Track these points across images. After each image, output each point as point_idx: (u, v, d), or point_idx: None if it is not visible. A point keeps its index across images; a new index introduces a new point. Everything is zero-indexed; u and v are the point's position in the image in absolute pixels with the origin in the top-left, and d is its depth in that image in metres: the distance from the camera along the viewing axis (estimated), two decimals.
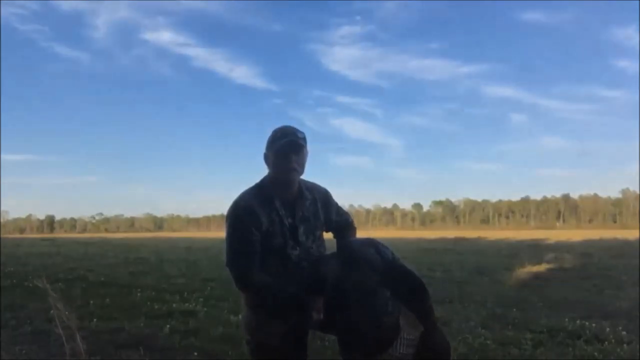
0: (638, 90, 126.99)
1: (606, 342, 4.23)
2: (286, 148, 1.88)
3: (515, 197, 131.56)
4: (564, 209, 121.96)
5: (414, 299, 1.84)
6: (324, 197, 2.10)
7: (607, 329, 4.65)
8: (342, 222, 2.16)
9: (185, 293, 7.22)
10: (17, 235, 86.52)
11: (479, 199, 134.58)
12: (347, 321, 1.82)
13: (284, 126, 1.96)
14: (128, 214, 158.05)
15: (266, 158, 1.97)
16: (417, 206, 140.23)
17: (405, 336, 1.80)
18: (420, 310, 1.83)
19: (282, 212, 1.94)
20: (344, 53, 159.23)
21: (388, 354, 1.79)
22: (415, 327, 1.82)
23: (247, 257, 1.90)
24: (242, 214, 1.90)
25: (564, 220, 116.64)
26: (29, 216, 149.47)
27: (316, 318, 1.85)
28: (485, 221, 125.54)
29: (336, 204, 2.16)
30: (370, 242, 1.90)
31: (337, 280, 1.80)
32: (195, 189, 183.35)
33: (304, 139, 1.93)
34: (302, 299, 1.86)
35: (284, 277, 1.91)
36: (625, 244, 21.62)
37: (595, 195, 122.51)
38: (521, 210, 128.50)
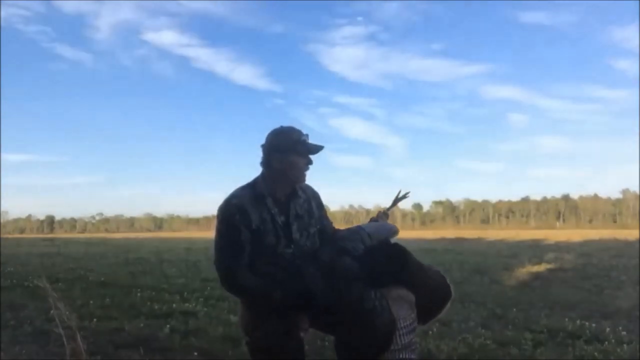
0: (638, 91, 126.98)
1: (606, 342, 4.22)
2: (314, 151, 1.95)
3: (515, 197, 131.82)
4: (564, 209, 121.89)
5: (397, 269, 1.84)
6: (317, 198, 2.13)
7: (607, 329, 4.64)
8: (325, 228, 2.14)
9: (185, 293, 7.21)
10: (17, 235, 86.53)
11: (479, 199, 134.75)
12: (340, 335, 1.83)
13: (295, 128, 1.98)
14: (128, 214, 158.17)
15: (269, 159, 1.96)
16: (417, 206, 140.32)
17: (402, 325, 1.79)
18: (406, 274, 1.84)
19: (274, 211, 1.94)
20: (345, 54, 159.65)
21: (390, 351, 1.79)
22: (411, 307, 1.83)
23: (234, 257, 1.88)
24: (232, 212, 1.89)
25: (564, 221, 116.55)
26: (29, 216, 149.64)
27: (303, 335, 1.86)
28: (485, 221, 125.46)
29: (324, 209, 2.18)
30: (338, 248, 1.90)
31: (320, 297, 1.80)
32: (195, 189, 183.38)
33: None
34: (287, 305, 1.85)
35: (272, 279, 1.89)
36: (625, 244, 21.58)
37: (595, 195, 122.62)
38: (521, 210, 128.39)
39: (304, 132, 1.98)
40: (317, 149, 1.97)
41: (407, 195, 2.41)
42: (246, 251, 1.89)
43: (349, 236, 1.98)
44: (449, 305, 2.00)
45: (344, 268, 1.82)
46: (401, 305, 1.81)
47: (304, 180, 2.01)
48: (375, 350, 1.78)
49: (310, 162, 1.98)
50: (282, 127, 1.99)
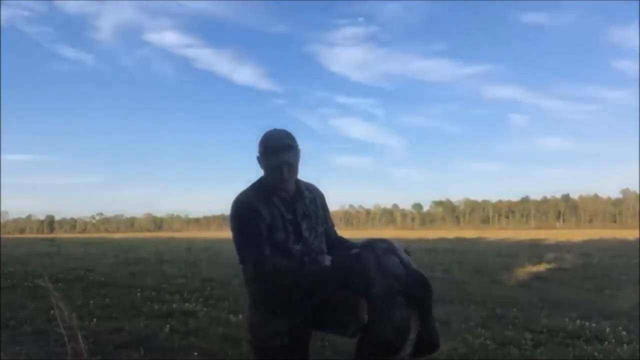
0: (638, 91, 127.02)
1: (606, 342, 4.23)
2: (278, 169, 1.92)
3: (515, 197, 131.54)
4: (564, 209, 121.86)
5: (423, 298, 1.87)
6: (322, 199, 2.14)
7: (607, 329, 4.64)
8: (328, 230, 2.14)
9: (185, 293, 7.22)
10: (17, 235, 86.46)
11: (479, 199, 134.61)
12: (371, 328, 1.84)
13: (273, 135, 1.96)
14: (128, 214, 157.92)
15: (259, 161, 1.99)
16: (417, 206, 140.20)
17: (410, 337, 1.82)
18: (425, 306, 1.87)
19: (281, 208, 1.96)
20: (346, 54, 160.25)
21: (399, 357, 1.81)
22: (416, 324, 1.86)
23: (257, 247, 1.89)
24: (245, 209, 1.92)
25: (564, 220, 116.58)
26: (29, 216, 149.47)
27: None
28: (485, 221, 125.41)
29: (329, 210, 2.19)
30: (391, 248, 1.91)
31: (363, 285, 1.81)
32: (195, 189, 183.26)
33: (293, 146, 1.95)
34: (321, 280, 1.86)
35: (300, 260, 1.93)
36: (625, 244, 21.62)
37: (595, 195, 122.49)
38: (521, 210, 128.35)
39: (287, 138, 1.95)
40: (275, 167, 1.92)
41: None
42: (266, 240, 1.90)
43: (397, 244, 2.00)
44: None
45: (391, 265, 1.85)
46: (414, 320, 1.85)
47: (283, 181, 1.96)
48: (389, 352, 1.80)
49: (282, 163, 1.91)
50: (272, 132, 1.98)
